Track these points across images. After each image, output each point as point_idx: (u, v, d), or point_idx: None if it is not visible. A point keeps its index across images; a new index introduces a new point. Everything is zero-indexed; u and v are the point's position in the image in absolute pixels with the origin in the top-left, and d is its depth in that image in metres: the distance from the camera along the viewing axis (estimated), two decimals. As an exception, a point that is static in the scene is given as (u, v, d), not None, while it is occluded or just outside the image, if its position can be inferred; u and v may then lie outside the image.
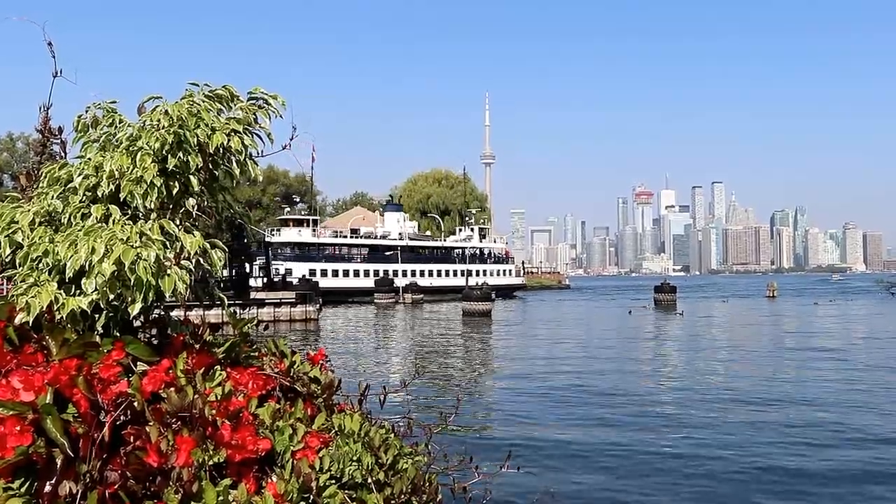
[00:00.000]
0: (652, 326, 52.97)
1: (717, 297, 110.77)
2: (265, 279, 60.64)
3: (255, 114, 3.51)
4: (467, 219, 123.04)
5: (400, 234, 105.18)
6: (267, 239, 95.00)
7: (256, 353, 3.42)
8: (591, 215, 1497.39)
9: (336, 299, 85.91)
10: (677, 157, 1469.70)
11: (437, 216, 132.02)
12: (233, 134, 3.38)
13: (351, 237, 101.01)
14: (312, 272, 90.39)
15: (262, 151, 3.54)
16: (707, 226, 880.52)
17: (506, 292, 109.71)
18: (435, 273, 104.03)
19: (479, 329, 50.91)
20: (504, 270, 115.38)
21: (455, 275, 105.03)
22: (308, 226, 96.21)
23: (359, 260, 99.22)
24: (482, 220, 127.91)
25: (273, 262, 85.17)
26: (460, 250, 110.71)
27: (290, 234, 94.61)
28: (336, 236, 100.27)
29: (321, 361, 3.52)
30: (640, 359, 32.00)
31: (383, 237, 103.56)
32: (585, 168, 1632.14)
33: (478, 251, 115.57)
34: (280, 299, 56.13)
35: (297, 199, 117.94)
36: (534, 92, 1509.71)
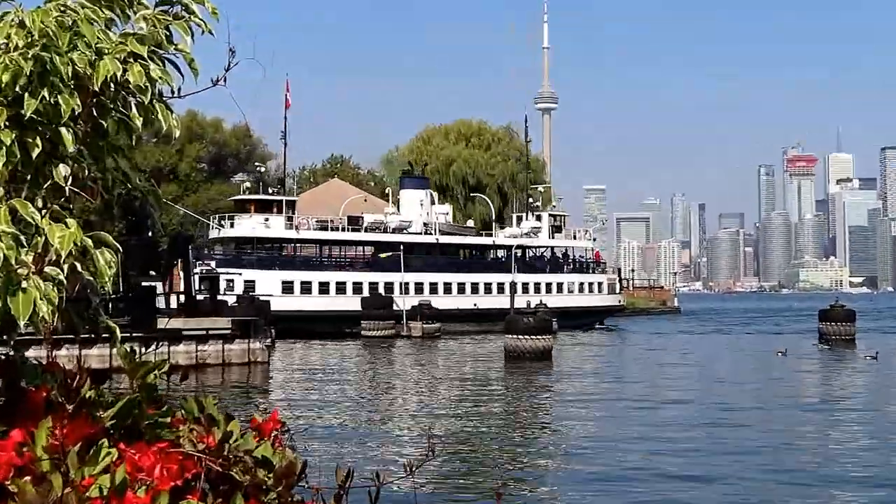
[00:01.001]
0: (818, 381, 52.66)
1: None
2: (183, 296, 60.97)
3: (167, 28, 3.48)
4: (532, 200, 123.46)
5: (426, 224, 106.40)
6: (214, 231, 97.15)
7: (168, 419, 3.40)
8: (715, 195, 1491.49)
9: (310, 328, 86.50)
10: (855, 103, 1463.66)
11: (469, 194, 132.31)
12: (132, 60, 3.36)
13: (349, 230, 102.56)
14: (288, 286, 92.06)
15: (179, 89, 3.51)
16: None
17: (593, 318, 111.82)
18: (482, 288, 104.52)
19: (529, 380, 51.12)
20: (590, 284, 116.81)
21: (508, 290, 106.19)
22: (279, 211, 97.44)
23: (359, 266, 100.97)
24: (550, 204, 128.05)
25: (224, 270, 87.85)
26: (518, 250, 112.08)
27: (249, 226, 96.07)
28: (326, 228, 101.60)
29: (274, 432, 3.49)
30: (805, 455, 29.54)
31: (399, 230, 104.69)
32: (702, 118, 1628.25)
33: (547, 253, 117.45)
34: (207, 330, 56.33)
35: (260, 167, 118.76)
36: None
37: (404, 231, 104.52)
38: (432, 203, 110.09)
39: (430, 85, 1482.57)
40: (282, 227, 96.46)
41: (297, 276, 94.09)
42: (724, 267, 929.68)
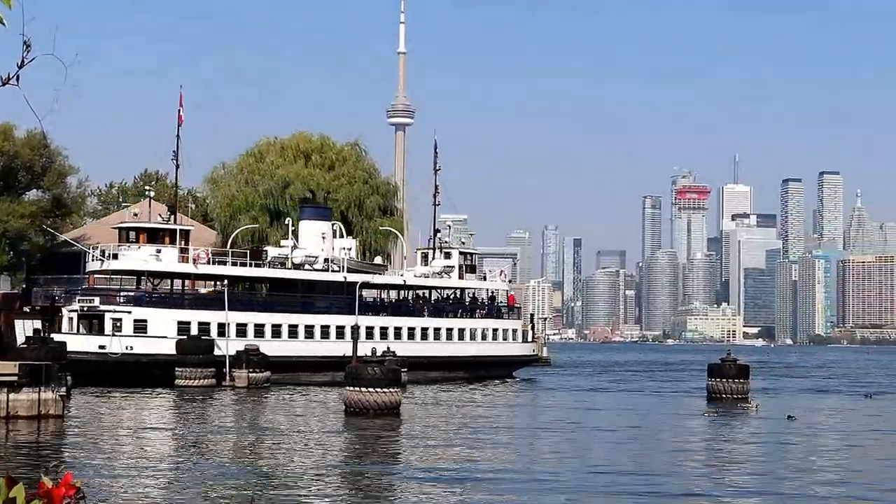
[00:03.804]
0: (744, 449, 53.51)
1: (843, 388, 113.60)
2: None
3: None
4: (440, 236, 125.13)
5: (329, 260, 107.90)
6: (95, 263, 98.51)
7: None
8: (592, 229, 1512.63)
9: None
10: (754, 129, 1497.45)
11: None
12: None
13: (251, 265, 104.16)
14: (185, 328, 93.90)
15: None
16: (810, 254, 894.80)
17: (504, 370, 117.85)
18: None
19: (368, 442, 51.64)
20: (504, 331, 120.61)
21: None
22: (171, 242, 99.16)
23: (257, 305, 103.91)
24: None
25: (111, 308, 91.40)
26: (424, 293, 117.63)
27: (139, 258, 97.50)
28: (223, 263, 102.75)
29: (67, 500, 3.42)
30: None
31: (300, 265, 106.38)
32: (579, 137, 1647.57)
33: (454, 295, 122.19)
34: (-12, 376, 55.33)
35: (148, 188, 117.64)
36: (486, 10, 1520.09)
37: (308, 266, 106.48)
38: (335, 236, 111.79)
39: (268, 91, 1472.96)
40: (174, 260, 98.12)
41: (196, 317, 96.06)
42: (601, 312, 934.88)
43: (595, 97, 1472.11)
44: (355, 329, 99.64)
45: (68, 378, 63.31)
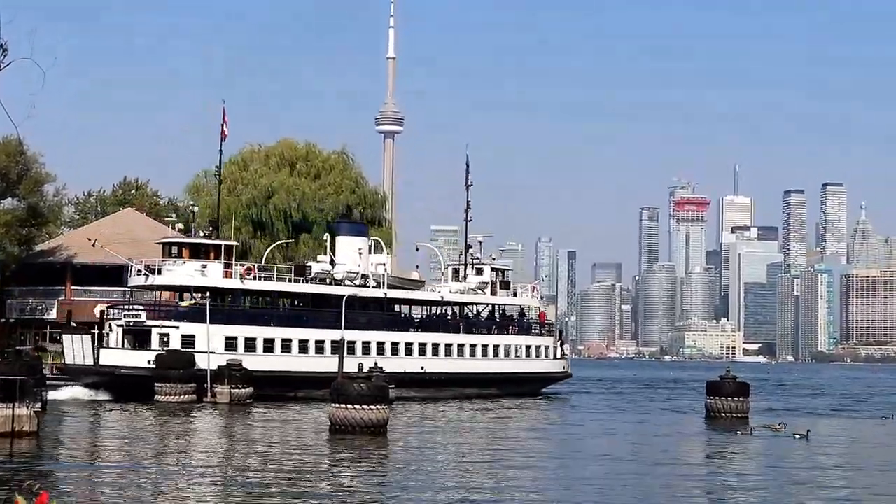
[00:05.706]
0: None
1: (854, 408, 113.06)
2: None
3: None
4: (472, 252, 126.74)
5: (365, 276, 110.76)
6: (139, 278, 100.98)
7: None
8: (587, 241, 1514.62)
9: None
10: (756, 138, 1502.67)
11: (292, 232, 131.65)
12: None
13: (296, 280, 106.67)
14: (231, 343, 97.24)
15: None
16: (812, 268, 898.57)
17: (534, 386, 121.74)
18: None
19: (354, 463, 51.32)
20: (537, 348, 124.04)
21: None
22: (216, 257, 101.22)
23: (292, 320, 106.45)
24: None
25: (157, 322, 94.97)
26: (456, 308, 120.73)
27: (184, 273, 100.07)
28: (265, 278, 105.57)
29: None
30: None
31: (339, 282, 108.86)
32: (574, 148, 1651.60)
33: (485, 311, 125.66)
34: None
35: (192, 202, 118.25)
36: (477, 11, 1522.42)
37: (348, 281, 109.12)
38: (370, 252, 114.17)
39: (255, 95, 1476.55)
40: (219, 275, 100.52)
41: (243, 332, 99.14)
42: (596, 328, 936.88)
43: (591, 106, 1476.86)
44: (341, 343, 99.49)
45: (44, 394, 62.92)
